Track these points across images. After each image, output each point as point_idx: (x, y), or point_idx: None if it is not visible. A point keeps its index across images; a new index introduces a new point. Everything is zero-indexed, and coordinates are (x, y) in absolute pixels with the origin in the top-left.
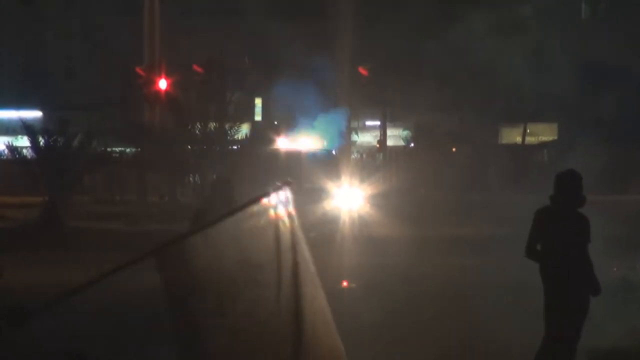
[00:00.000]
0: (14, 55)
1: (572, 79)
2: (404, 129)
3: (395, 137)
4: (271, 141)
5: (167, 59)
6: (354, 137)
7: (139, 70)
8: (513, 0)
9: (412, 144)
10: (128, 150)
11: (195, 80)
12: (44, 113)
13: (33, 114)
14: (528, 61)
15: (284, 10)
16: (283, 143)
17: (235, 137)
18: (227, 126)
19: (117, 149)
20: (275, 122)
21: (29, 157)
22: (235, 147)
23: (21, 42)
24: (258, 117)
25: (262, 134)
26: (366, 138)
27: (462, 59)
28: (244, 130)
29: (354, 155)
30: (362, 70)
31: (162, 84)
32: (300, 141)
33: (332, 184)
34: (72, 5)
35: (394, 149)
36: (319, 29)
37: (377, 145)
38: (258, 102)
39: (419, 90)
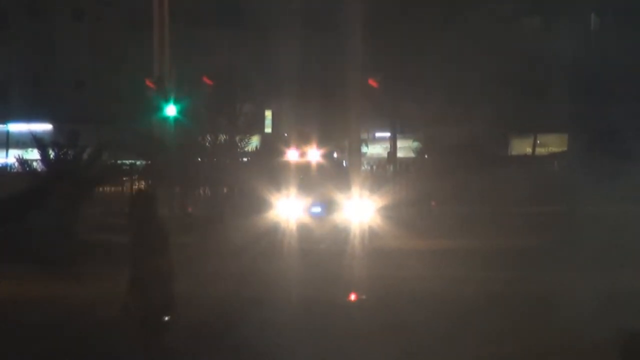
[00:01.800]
0: (25, 69)
1: (582, 90)
2: (414, 140)
3: (406, 148)
4: (280, 153)
5: (177, 70)
6: (364, 149)
7: (148, 82)
8: (523, 12)
9: (425, 155)
10: (139, 162)
11: (205, 92)
12: (54, 126)
13: (43, 127)
14: (538, 71)
15: (295, 23)
16: (293, 155)
17: (245, 149)
18: (237, 138)
19: (127, 162)
20: (285, 134)
21: (39, 170)
22: (245, 159)
23: (31, 56)
24: (268, 129)
25: (271, 146)
26: (376, 150)
27: (471, 70)
28: (254, 142)
29: (364, 167)
30: (372, 82)
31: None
32: (310, 153)
33: (342, 195)
34: (82, 17)
35: (404, 160)
36: (329, 41)
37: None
38: (268, 114)
39: (429, 102)
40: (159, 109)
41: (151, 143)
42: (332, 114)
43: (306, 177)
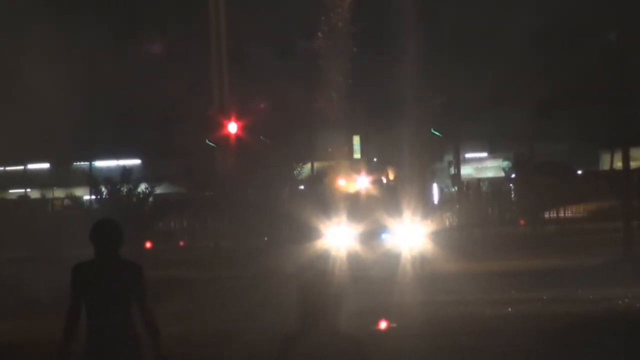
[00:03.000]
0: (111, 105)
1: None
2: (504, 159)
3: (496, 168)
4: (332, 181)
5: (237, 100)
6: (450, 171)
7: (210, 113)
8: (602, 26)
9: (513, 175)
10: (199, 195)
11: (262, 121)
12: (143, 161)
13: (132, 162)
14: (627, 83)
15: (371, 47)
16: (342, 182)
17: (299, 177)
18: (294, 166)
19: (185, 194)
20: (375, 159)
21: (94, 207)
22: (302, 187)
23: (117, 91)
24: (357, 155)
25: (322, 174)
26: (467, 171)
27: (560, 85)
28: (307, 170)
29: (453, 189)
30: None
31: (232, 127)
32: (360, 180)
33: (392, 221)
34: (167, 50)
35: (495, 180)
36: (407, 62)
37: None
38: (356, 140)
39: (519, 121)
40: (219, 140)
41: (208, 175)
42: (414, 137)
43: (357, 204)
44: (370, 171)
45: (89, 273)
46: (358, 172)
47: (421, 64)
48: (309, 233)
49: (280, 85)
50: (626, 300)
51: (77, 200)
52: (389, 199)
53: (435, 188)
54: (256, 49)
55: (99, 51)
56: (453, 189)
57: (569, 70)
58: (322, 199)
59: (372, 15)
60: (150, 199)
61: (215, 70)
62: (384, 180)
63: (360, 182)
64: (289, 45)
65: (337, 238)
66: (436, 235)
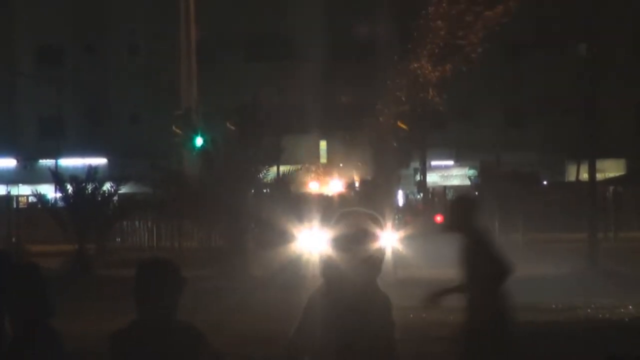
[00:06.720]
0: (80, 103)
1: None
2: (470, 168)
3: (462, 176)
4: (299, 184)
5: (206, 100)
6: (416, 178)
7: (177, 113)
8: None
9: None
10: (164, 195)
11: (229, 126)
12: (109, 160)
13: (99, 161)
14: (595, 97)
15: (343, 53)
16: (313, 186)
17: (264, 180)
18: (259, 169)
19: (151, 194)
20: (341, 165)
21: (59, 205)
22: (266, 190)
23: (87, 90)
24: (323, 160)
25: (289, 178)
26: (433, 178)
27: (529, 97)
28: (272, 174)
29: (418, 196)
30: (401, 125)
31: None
32: (332, 184)
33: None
34: (137, 52)
35: (460, 188)
36: (373, 68)
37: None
38: (323, 144)
39: (486, 130)
40: (188, 139)
41: (170, 175)
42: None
43: (329, 208)
44: (336, 176)
45: None
46: (323, 176)
47: (389, 70)
48: (278, 237)
49: (249, 87)
50: (588, 310)
51: (42, 198)
52: (355, 203)
53: (400, 194)
54: (226, 49)
55: (71, 49)
56: (418, 196)
57: (537, 81)
58: (288, 203)
59: (342, 19)
60: (115, 197)
61: (184, 70)
62: (351, 185)
63: (325, 187)
64: (259, 47)
65: (308, 243)
66: (403, 241)
